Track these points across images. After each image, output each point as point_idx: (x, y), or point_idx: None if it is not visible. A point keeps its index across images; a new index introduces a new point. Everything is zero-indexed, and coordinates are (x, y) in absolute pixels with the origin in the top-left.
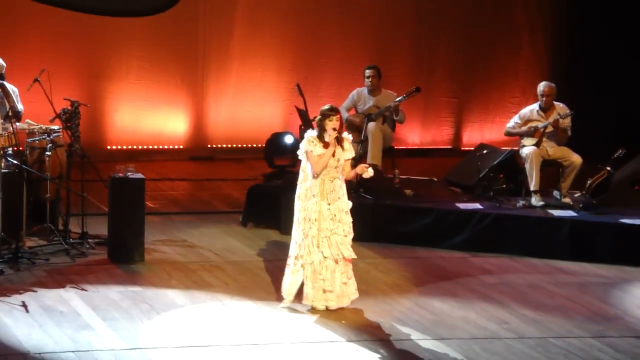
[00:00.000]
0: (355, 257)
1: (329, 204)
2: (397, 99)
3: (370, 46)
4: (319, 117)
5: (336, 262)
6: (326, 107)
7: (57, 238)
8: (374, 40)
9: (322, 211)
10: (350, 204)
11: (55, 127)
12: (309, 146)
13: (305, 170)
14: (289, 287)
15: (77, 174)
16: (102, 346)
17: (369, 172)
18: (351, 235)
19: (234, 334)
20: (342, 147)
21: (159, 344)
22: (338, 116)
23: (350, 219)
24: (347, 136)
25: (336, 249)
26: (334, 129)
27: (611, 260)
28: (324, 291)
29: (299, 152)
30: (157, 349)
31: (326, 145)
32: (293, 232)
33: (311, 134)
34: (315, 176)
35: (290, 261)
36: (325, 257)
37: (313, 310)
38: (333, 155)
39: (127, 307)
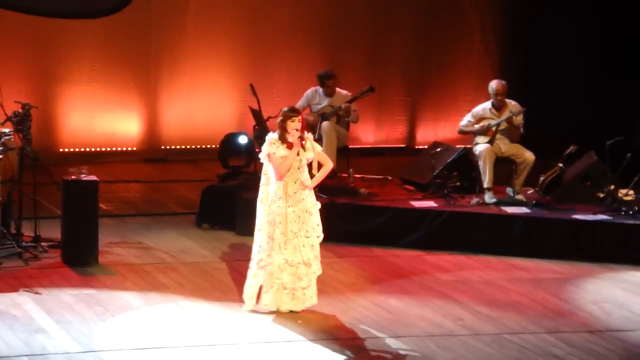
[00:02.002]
0: (312, 262)
1: (293, 206)
2: (350, 99)
3: (323, 45)
4: (280, 118)
5: (297, 266)
6: (287, 108)
7: (10, 242)
8: (327, 40)
9: (286, 214)
10: (318, 205)
11: (6, 130)
12: (271, 148)
13: (267, 174)
14: (250, 290)
15: (29, 177)
16: (56, 349)
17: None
18: (317, 234)
19: (190, 335)
20: (303, 147)
21: (113, 347)
22: (300, 117)
23: (316, 219)
24: (308, 135)
25: (298, 252)
26: (296, 130)
27: (564, 256)
28: (281, 294)
29: (260, 155)
30: (111, 352)
31: (290, 146)
32: (255, 235)
33: (272, 136)
34: (279, 178)
35: (252, 264)
36: (286, 260)
37: (269, 312)
38: (297, 154)
39: (81, 310)
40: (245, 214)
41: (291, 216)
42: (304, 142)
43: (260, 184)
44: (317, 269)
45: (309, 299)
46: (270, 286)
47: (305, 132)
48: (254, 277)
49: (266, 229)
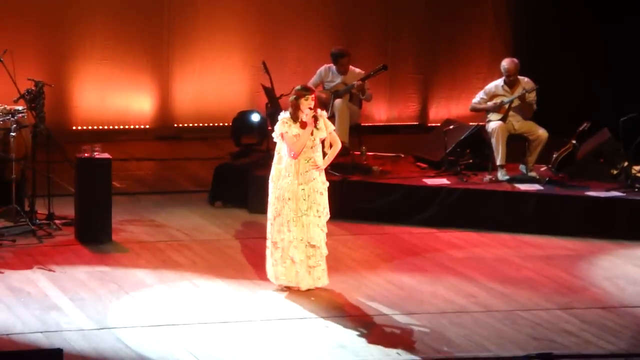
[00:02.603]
0: (321, 244)
1: (303, 184)
2: (364, 77)
3: (336, 23)
4: (293, 97)
5: (304, 243)
6: (300, 86)
7: (24, 219)
8: (340, 18)
9: (295, 191)
10: (327, 184)
11: (20, 108)
12: (284, 127)
13: (279, 153)
14: (272, 269)
15: (42, 155)
16: (70, 326)
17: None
18: (326, 216)
19: (203, 312)
20: (316, 126)
21: (127, 324)
22: (313, 95)
23: (326, 200)
24: (322, 113)
25: (306, 231)
26: (310, 109)
27: (577, 233)
28: (293, 270)
29: (273, 135)
30: (125, 329)
31: (303, 125)
32: (268, 214)
33: (284, 115)
34: (295, 157)
35: (268, 243)
36: (294, 238)
37: (282, 288)
38: (311, 134)
39: (95, 287)
40: (257, 191)
41: (300, 194)
42: (317, 121)
43: (273, 163)
44: (325, 250)
45: (317, 279)
46: (283, 261)
47: (319, 110)
48: (271, 256)
49: (275, 206)
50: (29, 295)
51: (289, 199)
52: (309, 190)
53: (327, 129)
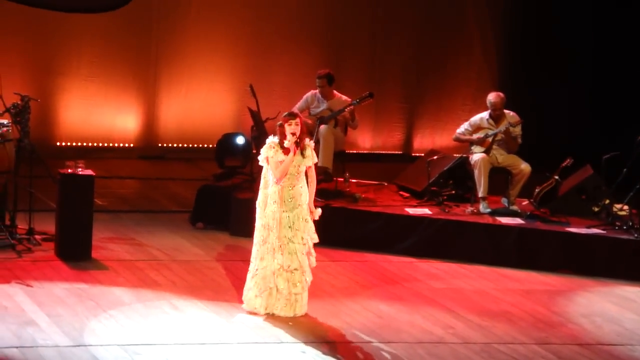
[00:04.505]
0: (308, 268)
1: (288, 211)
2: (350, 104)
3: (323, 50)
4: (279, 122)
5: (292, 271)
6: (286, 113)
7: (4, 233)
8: (327, 45)
9: (280, 219)
10: (319, 211)
11: (5, 122)
12: (270, 152)
13: (265, 177)
14: (249, 292)
15: (25, 170)
16: (46, 342)
17: (316, 213)
18: (312, 241)
19: (181, 332)
20: (302, 154)
21: (104, 342)
22: (297, 121)
23: (311, 226)
24: (309, 143)
25: (295, 258)
26: (293, 134)
27: (557, 269)
28: (274, 299)
29: (259, 158)
30: (102, 347)
31: (286, 151)
32: (254, 238)
33: (272, 139)
34: (276, 182)
35: (251, 267)
36: (281, 266)
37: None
38: (293, 161)
39: (73, 303)
40: (239, 214)
41: (285, 221)
42: (303, 150)
43: (260, 187)
44: (310, 277)
45: (301, 306)
46: (263, 290)
47: (307, 140)
48: (251, 279)
49: (261, 233)
50: (5, 310)
51: (274, 227)
52: (293, 218)
53: (312, 159)
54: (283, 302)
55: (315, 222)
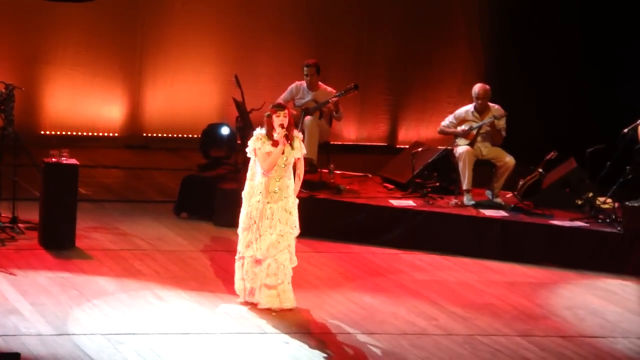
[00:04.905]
0: (286, 263)
1: (272, 203)
2: (335, 95)
3: (308, 41)
4: (266, 113)
5: (268, 263)
6: (273, 104)
7: None
8: (313, 36)
9: (264, 209)
10: (296, 201)
11: None
12: (257, 144)
13: (253, 169)
14: (239, 283)
15: (9, 158)
16: (29, 331)
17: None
18: (293, 234)
19: (164, 322)
20: (291, 145)
21: (87, 331)
22: (285, 112)
23: (295, 218)
24: (298, 134)
25: (268, 249)
26: (281, 126)
27: (540, 261)
28: (255, 290)
29: (247, 150)
30: (85, 336)
31: (275, 143)
32: (239, 228)
33: (259, 131)
34: (264, 174)
35: (237, 256)
36: (254, 255)
37: (245, 302)
38: (282, 153)
39: (56, 292)
40: (223, 204)
41: (267, 212)
42: (291, 141)
43: (247, 179)
44: (289, 270)
45: (286, 299)
46: (249, 277)
47: (295, 131)
48: (238, 270)
49: (245, 223)
50: None
51: (257, 217)
52: (277, 210)
53: (301, 151)
54: (264, 292)
55: (299, 211)
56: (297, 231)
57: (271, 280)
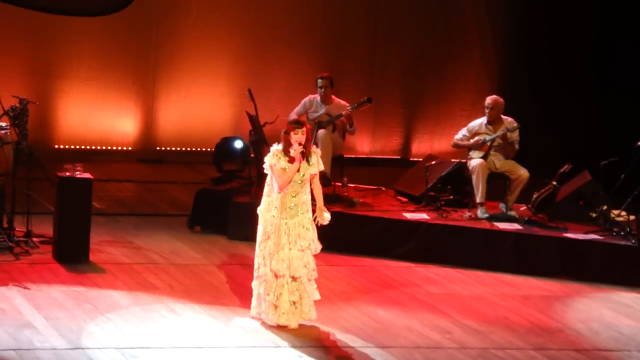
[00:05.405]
0: (304, 279)
1: (287, 219)
2: (348, 108)
3: (322, 55)
4: (284, 130)
5: (286, 279)
6: (292, 120)
7: (1, 236)
8: (327, 49)
9: (279, 225)
10: (328, 217)
11: (3, 124)
12: (273, 160)
13: (270, 184)
14: (255, 300)
15: (23, 172)
16: (43, 345)
17: (325, 218)
18: (312, 250)
19: (178, 336)
20: (307, 161)
21: (101, 345)
22: (304, 130)
23: (312, 234)
24: (316, 150)
25: (287, 265)
26: (300, 144)
27: (554, 275)
28: (274, 307)
29: (264, 166)
30: (99, 349)
31: (291, 160)
32: (256, 246)
33: (276, 147)
34: (279, 190)
35: (255, 275)
36: (274, 272)
37: (264, 323)
38: (298, 170)
39: (70, 306)
40: (237, 218)
41: (283, 228)
42: (308, 157)
43: (263, 195)
44: (309, 287)
45: (305, 313)
46: (264, 296)
47: (314, 147)
48: (259, 286)
49: (262, 239)
50: (3, 312)
51: (272, 232)
52: (292, 225)
53: (318, 167)
54: (281, 310)
55: (319, 228)
56: (316, 246)
57: (292, 297)
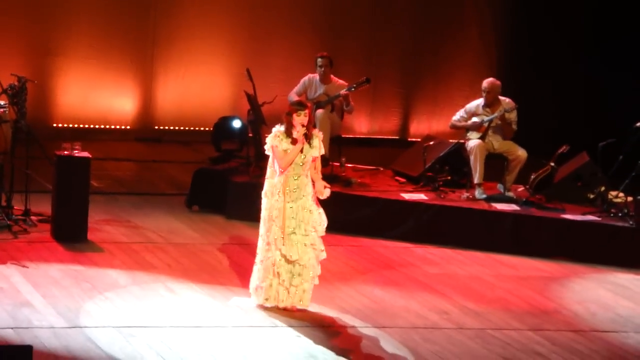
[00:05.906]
0: (311, 262)
1: (291, 202)
2: (347, 89)
3: (320, 34)
4: (286, 111)
5: (291, 262)
6: (294, 102)
7: (0, 214)
8: (325, 30)
9: (284, 209)
10: (328, 192)
11: (1, 103)
12: (275, 141)
13: (272, 167)
14: (255, 283)
15: (22, 151)
16: (41, 323)
17: (325, 193)
18: (317, 232)
19: (175, 315)
20: (309, 143)
21: (99, 323)
22: (306, 111)
23: (316, 217)
24: (318, 133)
25: (296, 250)
26: (302, 125)
27: (552, 255)
28: (275, 290)
29: (265, 147)
30: (97, 328)
31: (294, 141)
32: (260, 229)
33: (278, 128)
34: (280, 172)
35: (257, 259)
36: (284, 257)
37: (261, 306)
38: (301, 151)
39: (69, 285)
40: (235, 198)
41: (288, 212)
42: (310, 139)
43: (266, 177)
44: (316, 270)
45: (302, 299)
46: (264, 281)
47: (316, 130)
48: (257, 272)
49: (266, 223)
50: (1, 291)
51: (277, 217)
52: (297, 208)
53: (319, 149)
54: (284, 293)
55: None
56: (322, 231)
57: (295, 281)
